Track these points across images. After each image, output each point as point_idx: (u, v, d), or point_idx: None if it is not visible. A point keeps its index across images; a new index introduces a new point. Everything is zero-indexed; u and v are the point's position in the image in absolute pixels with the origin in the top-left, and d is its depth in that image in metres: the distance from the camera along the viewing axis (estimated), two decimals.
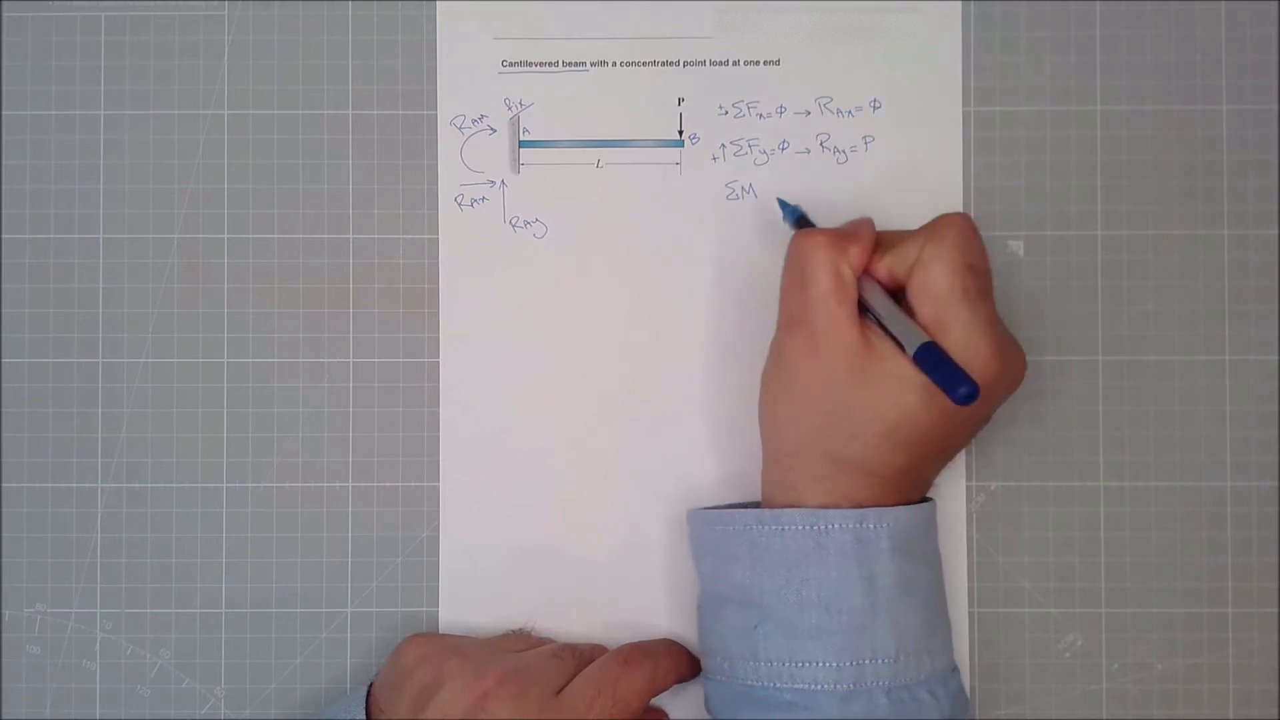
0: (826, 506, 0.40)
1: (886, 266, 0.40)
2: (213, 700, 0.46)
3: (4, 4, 0.47)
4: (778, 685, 0.39)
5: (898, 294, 0.40)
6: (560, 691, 0.40)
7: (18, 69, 0.47)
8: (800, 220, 0.44)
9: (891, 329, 0.39)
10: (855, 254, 0.40)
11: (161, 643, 0.46)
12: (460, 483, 0.46)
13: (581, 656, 0.42)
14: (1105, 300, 0.46)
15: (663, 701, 0.45)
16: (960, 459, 0.46)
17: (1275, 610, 0.45)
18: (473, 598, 0.46)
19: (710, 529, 0.42)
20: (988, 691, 0.45)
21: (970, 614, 0.46)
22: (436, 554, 0.46)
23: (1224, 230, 0.46)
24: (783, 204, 0.45)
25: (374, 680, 0.43)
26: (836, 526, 0.39)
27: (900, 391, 0.38)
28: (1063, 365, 0.46)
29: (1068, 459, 0.46)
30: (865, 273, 0.40)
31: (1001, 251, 0.46)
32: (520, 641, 0.44)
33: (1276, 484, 0.46)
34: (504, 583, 0.46)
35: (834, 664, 0.39)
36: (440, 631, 0.46)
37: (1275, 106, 0.46)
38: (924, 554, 0.41)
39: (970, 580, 0.46)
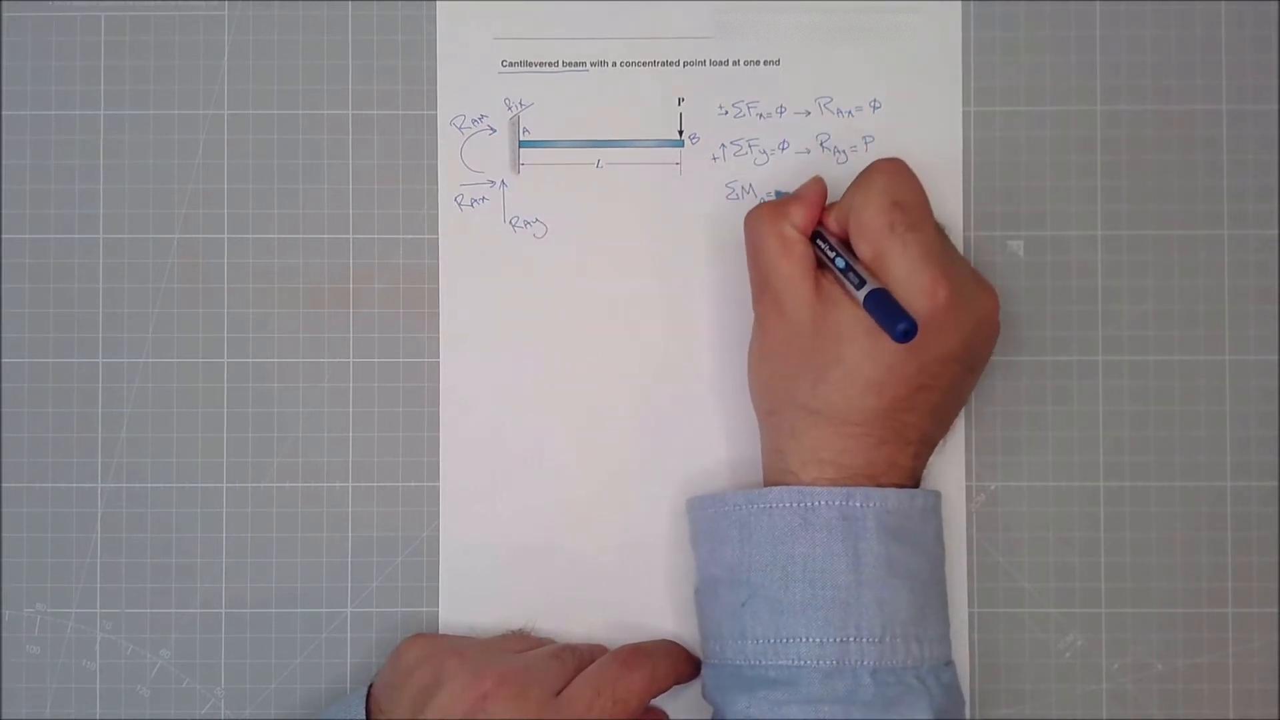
0: (815, 481, 0.40)
1: (834, 219, 0.42)
2: (213, 700, 0.46)
3: (4, 4, 0.47)
4: (763, 662, 0.40)
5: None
6: (560, 692, 0.40)
7: (18, 69, 0.47)
8: None
9: (843, 280, 0.41)
10: (797, 212, 0.42)
11: (161, 643, 0.46)
12: (460, 483, 0.46)
13: (581, 657, 0.42)
14: (1105, 300, 0.46)
15: (662, 702, 0.45)
16: (960, 459, 0.46)
17: (1275, 610, 0.45)
18: (473, 598, 0.46)
19: (705, 513, 0.43)
20: (988, 691, 0.45)
21: (970, 614, 0.46)
22: (436, 554, 0.46)
23: (1224, 230, 0.46)
24: (780, 195, 0.45)
25: (374, 680, 0.43)
26: (823, 503, 0.40)
27: (855, 334, 0.40)
28: (1063, 365, 0.46)
29: (1068, 459, 0.46)
30: (822, 230, 0.42)
31: (1001, 251, 0.46)
32: (520, 642, 0.44)
33: (1276, 484, 0.46)
34: (504, 583, 0.46)
35: (818, 639, 0.39)
36: (440, 631, 0.46)
37: (1275, 106, 0.46)
38: (917, 541, 0.41)
39: (970, 580, 0.46)
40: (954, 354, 0.41)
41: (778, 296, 0.42)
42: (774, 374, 0.42)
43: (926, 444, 0.42)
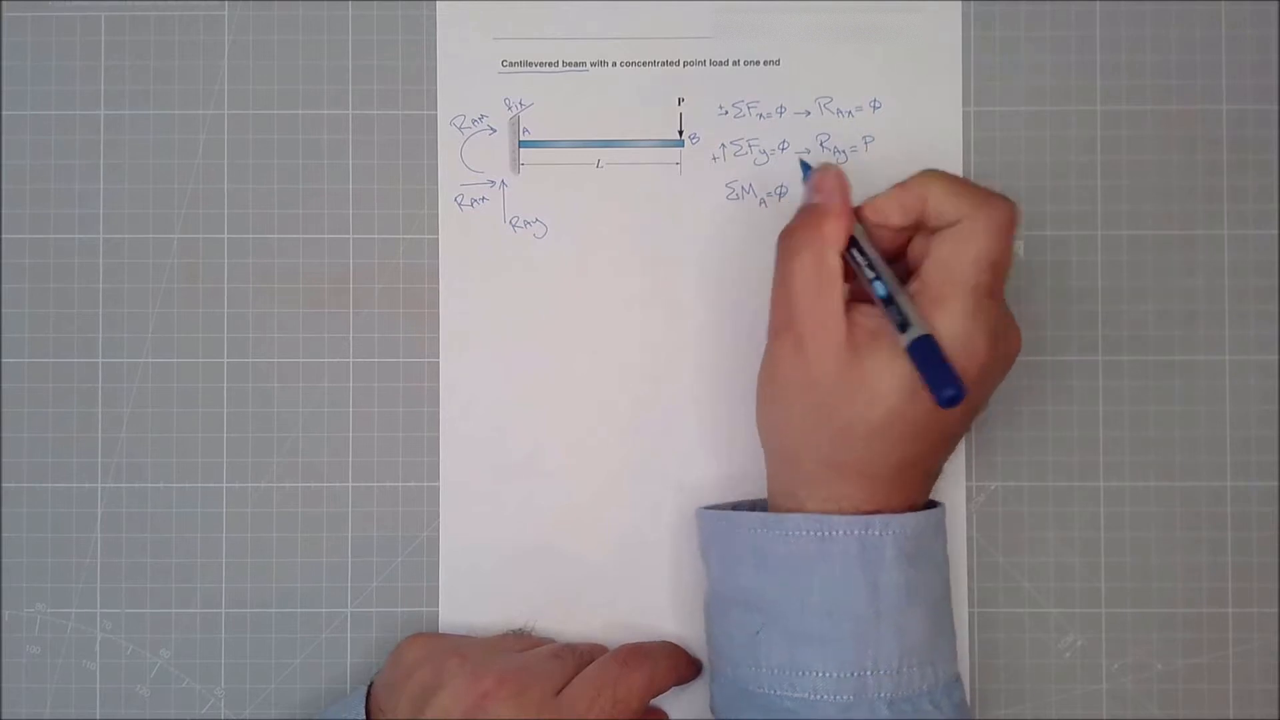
0: (830, 513, 0.39)
1: (900, 205, 0.39)
2: (213, 700, 0.46)
3: (4, 4, 0.47)
4: (778, 692, 0.39)
5: (897, 239, 0.39)
6: (560, 692, 0.40)
7: (18, 69, 0.47)
8: None
9: (890, 311, 0.38)
10: (834, 231, 0.39)
11: (161, 643, 0.46)
12: (460, 483, 0.46)
13: (581, 657, 0.42)
14: (1105, 300, 0.46)
15: (662, 702, 0.45)
16: (960, 459, 0.46)
17: (1275, 610, 0.45)
18: (473, 598, 0.46)
19: (717, 528, 0.42)
20: (988, 691, 0.45)
21: (970, 614, 0.46)
22: (436, 554, 0.46)
23: (1224, 230, 0.46)
24: (804, 165, 0.42)
25: (374, 680, 0.43)
26: (841, 533, 0.39)
27: (886, 391, 0.38)
28: (1063, 365, 0.46)
29: (1068, 459, 0.46)
30: (859, 240, 0.39)
31: None
32: (520, 642, 0.44)
33: (1276, 484, 0.46)
34: (504, 583, 0.46)
35: (834, 674, 0.38)
36: (440, 631, 0.46)
37: (1275, 106, 0.46)
38: (931, 559, 0.40)
39: (970, 580, 0.46)
40: (979, 402, 0.40)
41: (800, 339, 0.39)
42: (789, 421, 0.40)
43: (937, 475, 0.42)
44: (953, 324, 0.37)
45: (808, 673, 0.38)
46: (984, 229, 0.38)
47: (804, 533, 0.39)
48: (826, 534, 0.39)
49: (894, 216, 0.39)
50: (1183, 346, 0.46)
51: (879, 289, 0.38)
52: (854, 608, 0.38)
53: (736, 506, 0.44)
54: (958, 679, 0.41)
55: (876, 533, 0.39)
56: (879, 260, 0.39)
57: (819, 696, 0.38)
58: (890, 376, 0.38)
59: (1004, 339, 0.39)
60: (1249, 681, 0.45)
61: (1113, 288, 0.46)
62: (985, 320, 0.38)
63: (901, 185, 0.39)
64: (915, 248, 0.40)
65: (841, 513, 0.39)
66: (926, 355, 0.37)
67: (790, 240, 0.40)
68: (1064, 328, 0.46)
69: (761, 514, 0.40)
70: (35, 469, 0.46)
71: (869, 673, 0.38)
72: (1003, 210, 0.38)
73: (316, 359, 0.46)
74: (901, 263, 0.40)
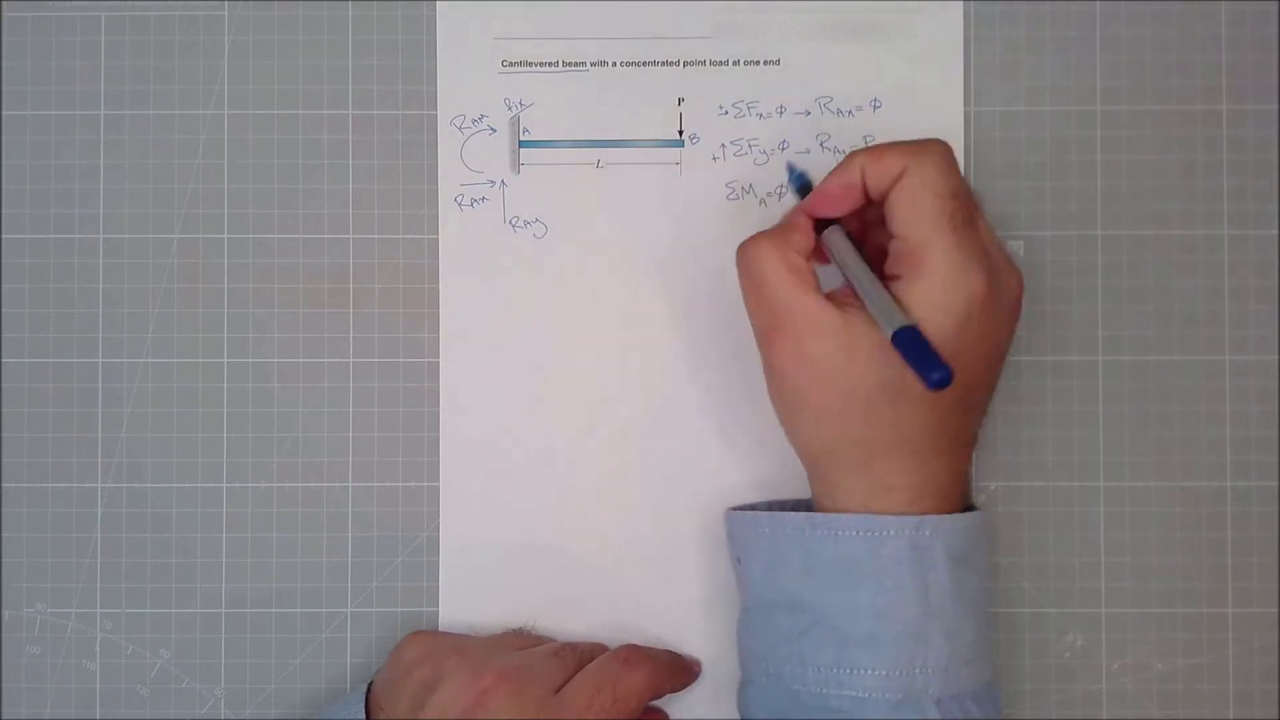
0: (883, 510, 0.39)
1: (842, 185, 0.39)
2: (213, 700, 0.46)
3: (4, 4, 0.47)
4: (825, 691, 0.38)
5: (869, 217, 0.41)
6: (559, 690, 0.40)
7: (18, 69, 0.47)
8: (805, 189, 0.44)
9: (870, 307, 0.38)
10: (799, 240, 0.40)
11: (161, 643, 0.46)
12: (460, 483, 0.46)
13: (582, 655, 0.42)
14: (1105, 300, 0.46)
15: (662, 701, 0.45)
16: None
17: (1275, 610, 0.45)
18: (473, 597, 0.46)
19: (758, 530, 0.41)
20: None
21: None
22: (436, 554, 0.46)
23: (1224, 230, 0.46)
24: (790, 169, 0.44)
25: (374, 679, 0.43)
26: (892, 534, 0.38)
27: (896, 358, 0.37)
28: (1063, 365, 0.46)
29: (1068, 459, 0.46)
30: (840, 233, 0.40)
31: None
32: (520, 640, 0.44)
33: (1276, 484, 0.46)
34: (504, 582, 0.46)
35: (884, 672, 0.38)
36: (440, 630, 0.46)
37: (1275, 106, 0.46)
38: (978, 563, 0.40)
39: None
40: (992, 350, 0.39)
41: (797, 339, 0.39)
42: (819, 421, 0.39)
43: (974, 442, 0.41)
44: (944, 261, 0.37)
45: (857, 671, 0.38)
46: (930, 165, 0.38)
47: (854, 533, 0.38)
48: (877, 535, 0.38)
49: (840, 197, 0.40)
50: (1183, 346, 0.46)
51: (862, 290, 0.38)
52: (905, 610, 0.38)
53: (770, 506, 0.43)
54: (995, 680, 0.40)
55: (928, 534, 0.38)
56: (855, 260, 0.39)
57: (868, 695, 0.38)
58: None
59: (1003, 274, 0.39)
60: (1249, 681, 0.45)
61: (1113, 288, 0.46)
62: (974, 250, 0.38)
63: (837, 168, 0.40)
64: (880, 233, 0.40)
65: (889, 512, 0.39)
66: (909, 344, 0.36)
67: (753, 248, 0.40)
68: (1064, 328, 0.46)
69: (809, 514, 0.40)
70: (35, 469, 0.46)
71: (918, 671, 0.38)
72: (938, 147, 0.39)
73: (316, 359, 0.46)
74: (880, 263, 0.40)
